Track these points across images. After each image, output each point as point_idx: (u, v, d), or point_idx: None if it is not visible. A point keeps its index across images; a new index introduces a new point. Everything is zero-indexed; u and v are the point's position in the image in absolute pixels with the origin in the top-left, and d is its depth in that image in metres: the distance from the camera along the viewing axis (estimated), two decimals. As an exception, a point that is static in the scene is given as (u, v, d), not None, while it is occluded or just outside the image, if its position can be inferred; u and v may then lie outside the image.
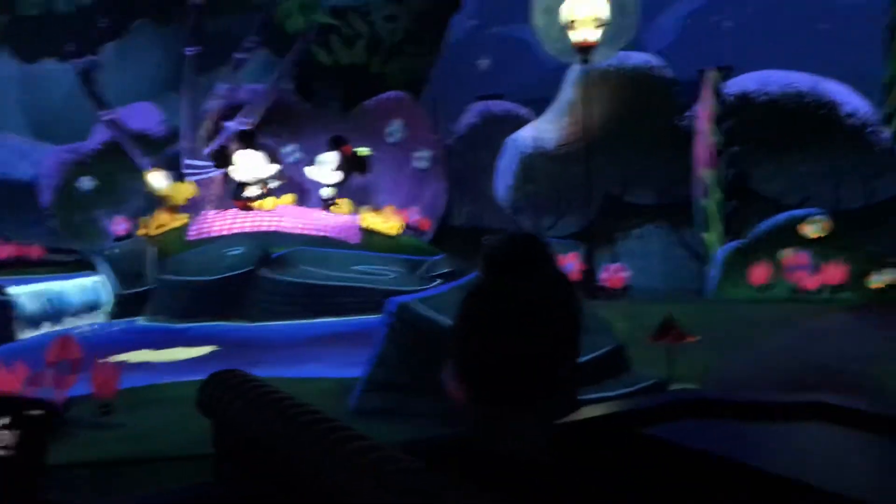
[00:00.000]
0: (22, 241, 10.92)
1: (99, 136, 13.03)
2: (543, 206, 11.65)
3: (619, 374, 4.86)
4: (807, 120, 10.15)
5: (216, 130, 12.76)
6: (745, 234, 9.86)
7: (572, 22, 9.95)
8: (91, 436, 4.82)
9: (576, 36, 10.01)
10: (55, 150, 13.06)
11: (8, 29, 12.18)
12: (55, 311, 9.65)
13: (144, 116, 13.21)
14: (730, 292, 9.62)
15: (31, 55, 12.73)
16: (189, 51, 12.74)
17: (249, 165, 11.64)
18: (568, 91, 11.28)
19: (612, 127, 11.21)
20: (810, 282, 9.13)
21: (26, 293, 9.29)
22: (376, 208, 11.57)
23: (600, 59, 10.62)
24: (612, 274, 10.08)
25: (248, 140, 11.74)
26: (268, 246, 10.58)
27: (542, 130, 11.65)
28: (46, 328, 9.52)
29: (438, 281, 10.69)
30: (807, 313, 8.41)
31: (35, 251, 10.81)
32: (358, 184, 12.82)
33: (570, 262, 10.44)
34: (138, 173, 12.26)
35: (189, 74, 12.73)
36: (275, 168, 11.79)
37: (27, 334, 9.23)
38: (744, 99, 10.46)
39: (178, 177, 12.53)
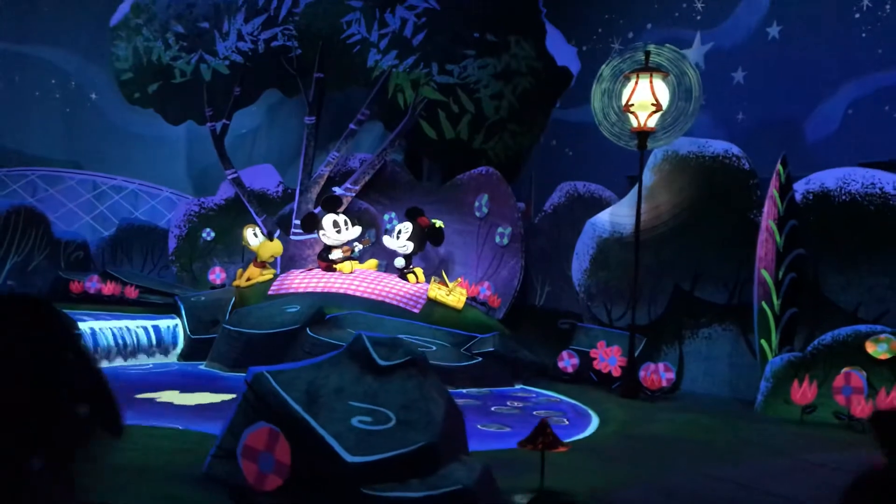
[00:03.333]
0: (123, 281, 12.15)
1: (223, 192, 14.31)
2: (615, 294, 11.12)
3: (426, 474, 4.57)
4: (892, 224, 8.89)
5: (323, 195, 13.57)
6: (805, 346, 8.79)
7: (630, 106, 9.57)
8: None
9: (633, 121, 9.62)
10: (186, 203, 14.52)
11: (158, 94, 13.82)
12: (126, 346, 10.65)
13: (265, 177, 14.35)
14: (777, 409, 8.58)
15: (176, 118, 14.31)
16: (308, 119, 13.74)
17: (332, 229, 12.22)
18: (646, 176, 10.78)
19: (686, 216, 10.55)
20: (861, 409, 7.91)
21: (98, 328, 10.35)
22: (444, 280, 11.63)
23: (660, 146, 10.09)
24: (651, 374, 9.36)
25: (332, 205, 12.35)
26: (325, 306, 10.98)
27: (619, 215, 11.19)
28: (117, 361, 10.56)
29: (479, 359, 10.54)
30: (818, 442, 7.32)
31: (131, 291, 11.98)
32: (442, 255, 13.00)
33: (612, 356, 9.85)
34: (250, 229, 13.30)
35: (306, 141, 13.71)
36: (356, 233, 12.28)
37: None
38: (821, 197, 9.38)
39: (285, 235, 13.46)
